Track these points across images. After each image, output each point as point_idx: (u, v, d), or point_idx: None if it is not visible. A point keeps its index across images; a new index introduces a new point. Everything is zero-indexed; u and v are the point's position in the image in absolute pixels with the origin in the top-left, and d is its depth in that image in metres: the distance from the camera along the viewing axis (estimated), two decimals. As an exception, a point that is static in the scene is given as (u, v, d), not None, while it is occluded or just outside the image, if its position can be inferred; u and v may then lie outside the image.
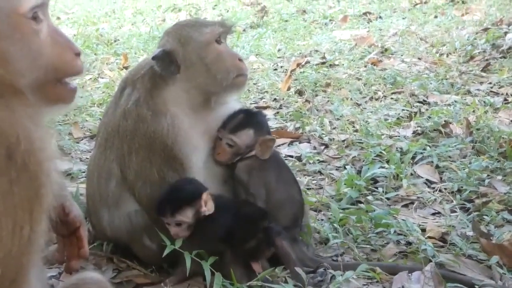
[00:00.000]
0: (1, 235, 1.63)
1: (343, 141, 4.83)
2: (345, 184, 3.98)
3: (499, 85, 6.07)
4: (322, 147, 4.83)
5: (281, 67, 7.31)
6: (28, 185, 1.68)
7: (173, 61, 3.12)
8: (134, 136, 3.11)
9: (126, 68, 7.56)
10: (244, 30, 9.65)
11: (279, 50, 8.14)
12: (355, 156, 4.52)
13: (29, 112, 1.77)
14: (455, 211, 3.72)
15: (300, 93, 6.16)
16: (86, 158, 4.63)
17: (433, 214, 3.77)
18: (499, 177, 4.06)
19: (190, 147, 3.14)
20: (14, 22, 1.75)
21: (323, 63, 7.22)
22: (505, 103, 5.54)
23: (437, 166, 4.27)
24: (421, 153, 4.42)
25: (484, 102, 5.53)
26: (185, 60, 3.13)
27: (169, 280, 3.01)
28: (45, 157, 1.73)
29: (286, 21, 10.23)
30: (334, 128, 5.14)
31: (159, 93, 3.15)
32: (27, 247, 1.70)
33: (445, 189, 3.99)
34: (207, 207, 2.96)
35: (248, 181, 3.20)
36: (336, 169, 4.40)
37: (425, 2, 10.54)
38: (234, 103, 3.39)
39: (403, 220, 3.52)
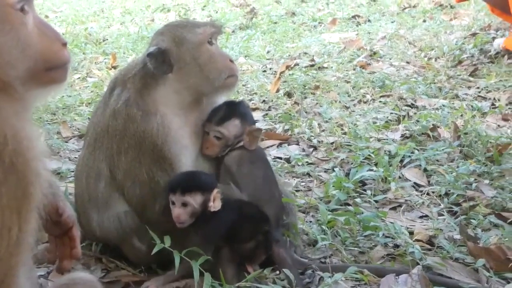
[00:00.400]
0: None
1: (332, 143, 4.83)
2: (333, 186, 3.99)
3: (487, 89, 6.10)
4: (311, 149, 4.84)
5: (270, 69, 7.31)
6: (16, 185, 1.67)
7: (165, 61, 3.12)
8: (124, 136, 3.10)
9: (114, 67, 7.54)
10: (233, 32, 9.64)
11: (268, 52, 8.14)
12: (343, 159, 4.53)
13: (17, 109, 1.76)
14: (443, 215, 3.73)
15: (289, 95, 6.17)
16: (75, 157, 4.62)
17: (421, 217, 3.78)
18: (486, 181, 4.08)
19: (179, 147, 3.14)
20: (3, 13, 1.76)
21: (312, 65, 7.22)
22: (493, 108, 5.57)
23: (425, 170, 4.28)
24: (409, 156, 4.44)
25: (472, 106, 5.56)
26: (179, 60, 3.14)
27: (154, 279, 3.01)
28: (33, 156, 1.72)
29: (275, 23, 10.22)
30: (323, 131, 5.15)
31: (149, 93, 3.14)
32: (16, 247, 1.69)
33: (433, 192, 4.00)
34: (215, 203, 2.98)
35: (237, 170, 3.20)
36: (325, 171, 4.41)
37: (414, 6, 10.58)
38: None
39: (391, 223, 3.52)
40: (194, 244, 2.91)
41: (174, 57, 3.13)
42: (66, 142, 5.06)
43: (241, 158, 3.24)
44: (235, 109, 3.29)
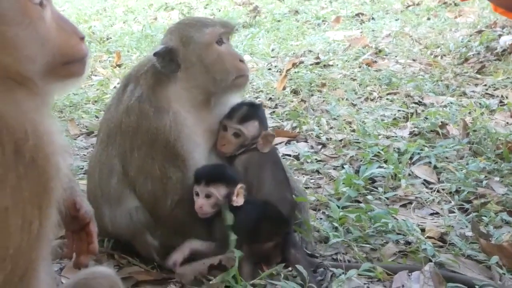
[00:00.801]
0: (10, 231, 1.61)
1: (340, 140, 4.82)
2: (343, 183, 3.98)
3: (494, 87, 6.08)
4: (320, 147, 4.82)
5: (275, 66, 7.30)
6: (36, 180, 1.66)
7: (173, 60, 3.11)
8: (137, 132, 3.10)
9: (119, 66, 7.55)
10: (236, 30, 9.61)
11: (272, 50, 8.13)
12: (352, 156, 4.52)
13: (36, 103, 1.75)
14: (454, 212, 3.72)
15: (295, 92, 6.15)
16: (84, 154, 4.63)
17: (432, 214, 3.77)
18: (497, 179, 4.07)
19: (192, 144, 3.14)
20: (22, 7, 1.74)
21: (318, 63, 7.20)
22: (501, 105, 5.55)
23: (434, 167, 4.28)
24: (419, 153, 4.43)
25: (480, 104, 5.54)
26: (185, 60, 3.13)
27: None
28: (54, 151, 1.71)
29: (279, 21, 10.20)
30: (331, 128, 5.13)
31: (162, 90, 3.13)
32: (36, 242, 1.68)
33: (443, 189, 3.99)
34: (238, 199, 3.00)
35: (245, 174, 3.21)
36: (334, 169, 4.39)
37: (418, 4, 10.53)
38: (235, 101, 3.38)
39: (403, 220, 3.52)
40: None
41: (181, 56, 3.12)
42: (75, 139, 5.07)
43: (249, 161, 3.25)
44: (256, 111, 3.31)
